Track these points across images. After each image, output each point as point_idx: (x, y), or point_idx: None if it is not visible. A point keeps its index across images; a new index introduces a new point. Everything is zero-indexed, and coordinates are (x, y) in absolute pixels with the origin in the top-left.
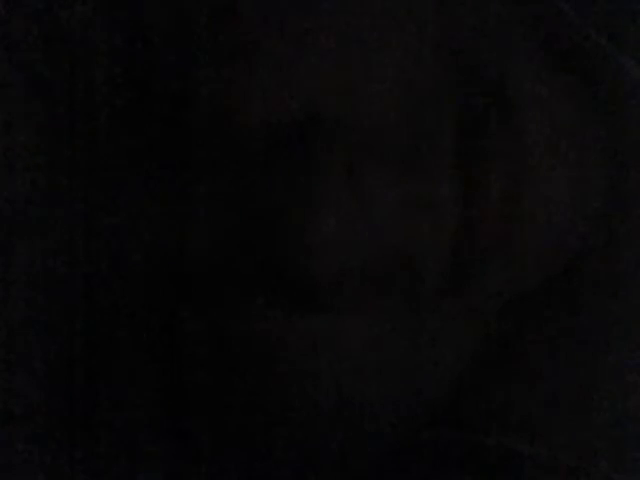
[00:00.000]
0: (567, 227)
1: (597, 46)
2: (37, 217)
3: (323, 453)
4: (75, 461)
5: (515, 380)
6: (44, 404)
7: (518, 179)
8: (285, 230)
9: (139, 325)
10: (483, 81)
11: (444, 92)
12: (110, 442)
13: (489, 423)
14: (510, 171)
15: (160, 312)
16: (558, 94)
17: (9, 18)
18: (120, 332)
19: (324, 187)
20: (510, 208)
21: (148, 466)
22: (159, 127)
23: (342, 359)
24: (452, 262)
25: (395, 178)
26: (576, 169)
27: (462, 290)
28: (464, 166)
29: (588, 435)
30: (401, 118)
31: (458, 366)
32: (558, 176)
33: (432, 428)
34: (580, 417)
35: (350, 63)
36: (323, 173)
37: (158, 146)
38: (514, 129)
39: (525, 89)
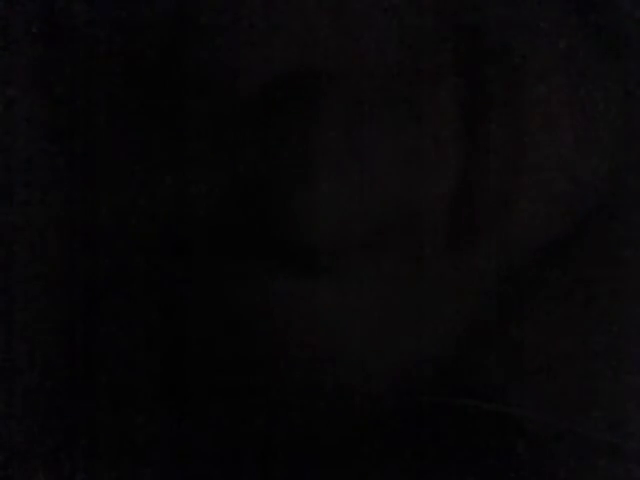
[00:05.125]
0: (575, 183)
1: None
2: (37, 216)
3: (321, 419)
4: (75, 461)
5: (512, 346)
6: (44, 403)
7: (521, 130)
8: (283, 191)
9: (140, 317)
10: (484, 35)
11: (442, 43)
12: (110, 442)
13: (487, 389)
14: (513, 122)
15: (160, 295)
16: (571, 45)
17: (9, 18)
18: (121, 330)
19: (321, 145)
20: (513, 160)
21: (148, 465)
22: (156, 99)
23: (341, 323)
24: (453, 216)
25: (393, 130)
26: (583, 123)
27: (462, 246)
28: (466, 116)
29: (583, 399)
30: (398, 70)
31: (458, 329)
32: (564, 129)
33: (430, 393)
34: (574, 382)
35: (346, 16)
36: (320, 130)
37: (154, 118)
38: (516, 80)
39: (530, 40)
